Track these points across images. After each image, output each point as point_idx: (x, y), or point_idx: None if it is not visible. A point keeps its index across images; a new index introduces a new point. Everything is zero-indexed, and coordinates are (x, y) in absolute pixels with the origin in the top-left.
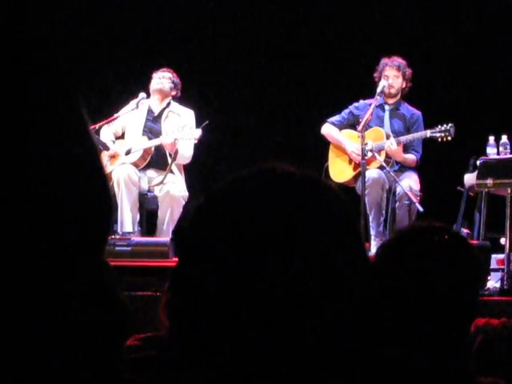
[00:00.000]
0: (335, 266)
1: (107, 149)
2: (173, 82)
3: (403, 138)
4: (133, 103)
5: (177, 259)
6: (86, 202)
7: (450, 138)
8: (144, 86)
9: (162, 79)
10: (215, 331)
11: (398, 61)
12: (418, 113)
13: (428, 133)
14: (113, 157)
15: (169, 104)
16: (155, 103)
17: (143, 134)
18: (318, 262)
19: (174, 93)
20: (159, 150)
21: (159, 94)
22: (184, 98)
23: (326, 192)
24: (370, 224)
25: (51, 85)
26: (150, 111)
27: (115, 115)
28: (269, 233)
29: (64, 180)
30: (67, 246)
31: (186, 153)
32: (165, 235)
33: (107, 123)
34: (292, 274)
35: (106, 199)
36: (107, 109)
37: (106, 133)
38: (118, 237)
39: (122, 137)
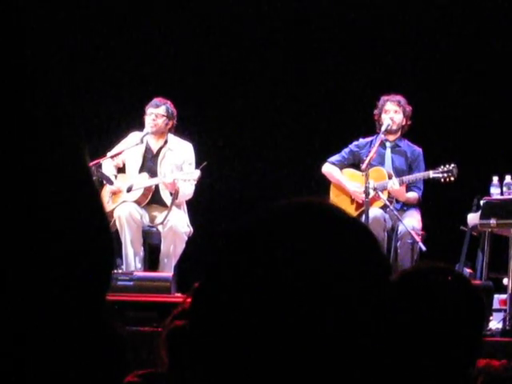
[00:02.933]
0: (365, 302)
1: (111, 183)
2: (167, 116)
3: (406, 178)
4: (136, 137)
5: (182, 294)
6: (85, 237)
7: (452, 179)
8: (139, 116)
9: (156, 119)
10: (229, 368)
11: (399, 97)
12: (418, 149)
13: (431, 173)
14: (114, 193)
15: (166, 142)
16: (153, 141)
17: (144, 171)
18: (348, 294)
19: (170, 126)
20: (161, 186)
21: (154, 134)
22: (182, 129)
23: (362, 230)
24: None
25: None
26: (148, 149)
27: (119, 149)
28: (301, 266)
29: (64, 222)
30: (67, 281)
31: (187, 191)
32: (167, 270)
33: (112, 158)
34: (323, 311)
35: (106, 238)
36: (102, 139)
37: (109, 166)
38: (120, 271)
39: (123, 169)
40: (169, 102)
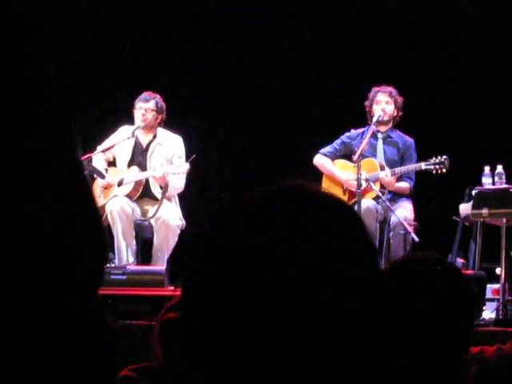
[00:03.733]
0: (352, 285)
1: (103, 177)
2: (157, 111)
3: (397, 170)
4: (126, 131)
5: (179, 288)
6: (78, 234)
7: (444, 171)
8: (128, 109)
9: (146, 114)
10: (216, 365)
11: (390, 88)
12: (410, 140)
13: (422, 165)
14: (106, 188)
15: (155, 136)
16: (142, 136)
17: (133, 165)
18: (336, 278)
19: (159, 120)
20: (151, 180)
21: (144, 128)
22: (172, 122)
23: (345, 210)
24: None
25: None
26: (137, 143)
27: (109, 143)
28: (287, 252)
29: (57, 215)
30: (60, 278)
31: (177, 184)
32: (160, 264)
33: (103, 152)
34: (310, 292)
35: (99, 233)
36: (92, 133)
37: (99, 160)
38: (113, 265)
39: (113, 163)
40: (158, 96)
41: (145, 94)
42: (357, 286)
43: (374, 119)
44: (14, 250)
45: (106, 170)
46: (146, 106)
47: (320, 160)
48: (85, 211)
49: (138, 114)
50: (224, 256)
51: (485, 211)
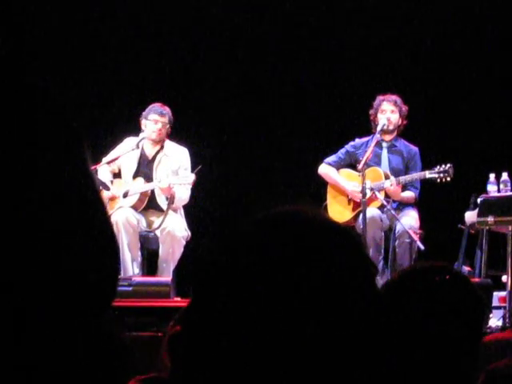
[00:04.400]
0: (350, 307)
1: (108, 189)
2: (169, 125)
3: (402, 179)
4: (131, 142)
5: (181, 298)
6: (92, 247)
7: (448, 179)
8: (134, 121)
9: (162, 129)
10: (222, 373)
11: (395, 97)
12: (415, 149)
13: (427, 174)
14: (111, 199)
15: (162, 147)
16: (148, 147)
17: (139, 176)
18: (334, 300)
19: (168, 132)
20: (157, 191)
21: (155, 140)
22: (178, 134)
23: (343, 235)
24: None
25: (57, 130)
26: (143, 155)
27: (114, 155)
28: (286, 276)
29: (69, 227)
30: (73, 291)
31: (183, 196)
32: (166, 275)
33: (108, 164)
34: (311, 316)
35: (112, 247)
36: (97, 145)
37: (105, 172)
38: (119, 277)
39: (118, 175)
40: (168, 109)
41: (158, 107)
42: (356, 306)
43: (379, 128)
44: (28, 262)
45: (112, 181)
46: (162, 120)
47: (325, 169)
48: (98, 224)
49: (151, 125)
50: (228, 279)
51: (490, 219)
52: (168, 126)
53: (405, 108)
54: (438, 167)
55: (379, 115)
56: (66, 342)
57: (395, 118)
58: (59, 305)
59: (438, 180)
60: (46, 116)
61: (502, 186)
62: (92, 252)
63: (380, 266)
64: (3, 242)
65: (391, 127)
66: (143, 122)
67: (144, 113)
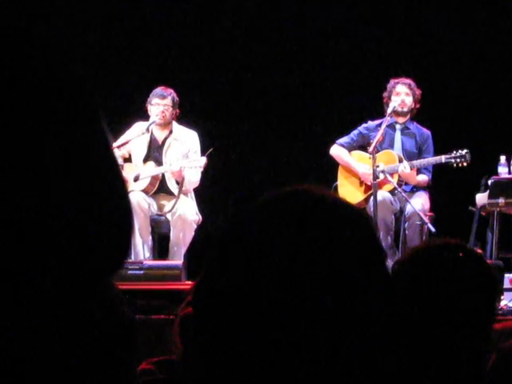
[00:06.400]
0: (362, 291)
1: None
2: (173, 106)
3: (417, 162)
4: (141, 127)
5: (192, 281)
6: (108, 217)
7: (465, 164)
8: (142, 106)
9: (165, 111)
10: (231, 356)
11: (409, 80)
12: (427, 132)
13: (443, 158)
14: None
15: (171, 132)
16: (157, 131)
17: (150, 160)
18: (344, 281)
19: (174, 115)
20: (168, 175)
21: (160, 124)
22: (188, 116)
23: (354, 214)
24: None
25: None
26: (153, 139)
27: (125, 139)
28: (296, 254)
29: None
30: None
31: (193, 179)
32: (177, 258)
33: (118, 148)
34: (319, 296)
35: (127, 213)
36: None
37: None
38: (130, 260)
39: (129, 159)
40: (172, 91)
41: (160, 90)
42: (366, 288)
43: (389, 110)
44: (41, 229)
45: (122, 166)
46: (163, 103)
47: (337, 150)
48: (117, 196)
49: (154, 109)
50: (238, 258)
51: (501, 201)
52: (171, 107)
53: (418, 92)
54: (455, 152)
55: (393, 97)
56: (73, 316)
57: (409, 100)
58: (73, 265)
59: (455, 165)
60: (64, 87)
61: None
62: (108, 218)
63: (390, 248)
64: (24, 208)
65: (405, 109)
66: (149, 108)
67: (148, 99)
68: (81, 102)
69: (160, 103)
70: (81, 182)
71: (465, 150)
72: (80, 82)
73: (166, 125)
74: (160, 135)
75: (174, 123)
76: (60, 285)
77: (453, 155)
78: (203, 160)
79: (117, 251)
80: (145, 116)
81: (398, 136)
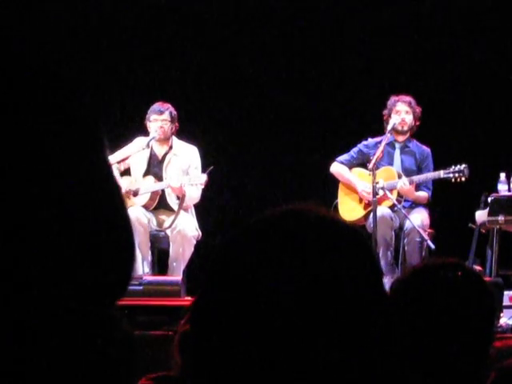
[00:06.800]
0: (357, 308)
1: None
2: (171, 121)
3: (416, 178)
4: (141, 142)
5: (192, 297)
6: (107, 238)
7: (463, 179)
8: (142, 120)
9: (164, 126)
10: (230, 371)
11: (409, 98)
12: (427, 150)
13: (442, 173)
14: (128, 195)
15: (171, 147)
16: (157, 147)
17: (149, 175)
18: (341, 300)
19: (173, 129)
20: (168, 191)
21: (159, 139)
22: (188, 132)
23: (351, 234)
24: (380, 262)
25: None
26: (153, 155)
27: (125, 154)
28: (292, 274)
29: (85, 220)
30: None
31: (194, 195)
32: (176, 274)
33: (118, 163)
34: (315, 315)
35: (127, 236)
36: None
37: (114, 171)
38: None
39: (126, 172)
40: (170, 106)
41: (158, 106)
42: (362, 307)
43: (389, 127)
44: (41, 252)
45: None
46: (161, 118)
47: (337, 168)
48: (117, 219)
49: (153, 126)
50: (235, 277)
51: (501, 218)
52: (169, 122)
53: (418, 109)
54: (453, 167)
55: (393, 115)
56: (73, 332)
57: (409, 118)
58: (74, 293)
59: (453, 180)
60: (64, 103)
61: None
62: (106, 234)
63: (390, 265)
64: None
65: (405, 128)
66: (147, 125)
67: (147, 115)
68: (80, 117)
69: (158, 119)
70: (83, 209)
71: (463, 165)
72: (78, 96)
73: (165, 140)
74: (160, 150)
75: (174, 138)
76: (60, 309)
77: (451, 170)
78: (204, 177)
79: (119, 279)
80: (145, 132)
81: (397, 154)
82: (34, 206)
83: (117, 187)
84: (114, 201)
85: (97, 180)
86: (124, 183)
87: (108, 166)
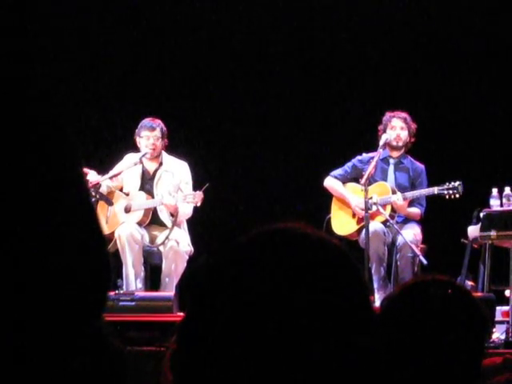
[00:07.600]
0: (344, 326)
1: (111, 204)
2: (162, 137)
3: (410, 194)
4: (132, 158)
5: (183, 314)
6: (83, 256)
7: (457, 196)
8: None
9: (156, 143)
10: None
11: (404, 114)
12: (421, 166)
13: (436, 190)
14: (114, 214)
15: (161, 163)
16: (148, 163)
17: (142, 191)
18: (327, 320)
19: (164, 145)
20: (160, 207)
21: (152, 156)
22: (179, 147)
23: (337, 253)
24: (373, 277)
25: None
26: (144, 171)
27: (117, 170)
28: (278, 293)
29: (62, 239)
30: (67, 301)
31: (186, 210)
32: (169, 290)
33: (111, 179)
34: (302, 332)
35: (103, 254)
36: (96, 161)
37: (105, 188)
38: (122, 291)
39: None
40: (160, 122)
41: (149, 122)
42: (349, 326)
43: (381, 142)
44: (18, 269)
45: (112, 192)
46: (153, 135)
47: (330, 182)
48: (90, 235)
49: (144, 142)
50: (221, 296)
51: (493, 233)
52: (160, 138)
53: (414, 126)
54: (448, 184)
55: (388, 131)
56: (61, 349)
57: (404, 134)
58: (51, 311)
59: (447, 196)
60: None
61: (504, 201)
62: (82, 253)
63: (383, 280)
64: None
65: (400, 143)
66: (137, 140)
67: (137, 131)
68: (53, 130)
69: (150, 135)
70: (56, 225)
71: (457, 182)
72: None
73: (155, 156)
74: (150, 167)
75: (164, 154)
76: (46, 325)
77: (445, 187)
78: (200, 195)
79: (95, 298)
80: (135, 148)
81: (391, 170)
82: (5, 226)
83: (91, 207)
84: (89, 221)
85: (71, 199)
86: (118, 199)
87: (83, 187)
